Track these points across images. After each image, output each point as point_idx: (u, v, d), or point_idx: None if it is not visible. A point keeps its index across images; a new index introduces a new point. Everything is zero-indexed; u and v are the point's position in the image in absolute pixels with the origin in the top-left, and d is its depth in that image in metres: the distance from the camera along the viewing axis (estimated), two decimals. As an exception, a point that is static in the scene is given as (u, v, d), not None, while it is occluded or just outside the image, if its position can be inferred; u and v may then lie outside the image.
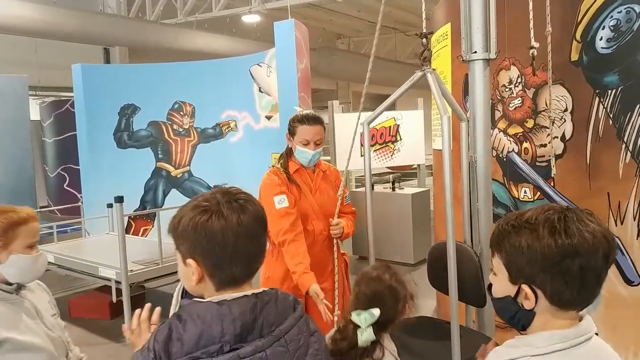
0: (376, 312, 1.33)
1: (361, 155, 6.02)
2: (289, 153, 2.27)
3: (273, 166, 2.28)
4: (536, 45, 2.04)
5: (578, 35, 2.43)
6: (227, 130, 5.44)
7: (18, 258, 1.38)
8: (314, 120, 2.21)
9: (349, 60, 12.32)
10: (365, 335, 1.33)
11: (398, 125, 5.88)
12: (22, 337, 1.35)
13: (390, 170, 6.48)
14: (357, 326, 1.32)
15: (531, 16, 2.06)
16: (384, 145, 5.95)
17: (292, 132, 2.22)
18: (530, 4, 2.07)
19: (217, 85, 5.34)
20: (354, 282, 1.49)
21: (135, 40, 8.30)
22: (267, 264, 2.23)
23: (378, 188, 5.94)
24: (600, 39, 2.37)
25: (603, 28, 2.37)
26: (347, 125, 5.85)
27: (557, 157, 2.52)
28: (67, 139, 7.61)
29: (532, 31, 2.03)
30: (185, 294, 1.09)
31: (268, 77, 4.97)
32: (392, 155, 5.92)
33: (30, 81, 6.79)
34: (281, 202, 2.10)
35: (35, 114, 7.77)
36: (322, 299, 1.97)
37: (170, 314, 1.02)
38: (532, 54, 2.03)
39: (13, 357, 1.35)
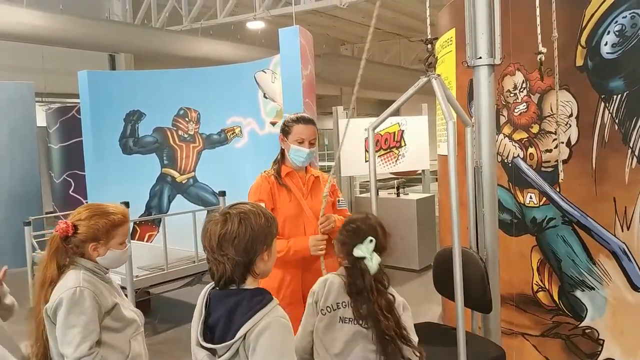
0: (371, 240, 1.56)
1: (366, 161, 6.02)
2: (282, 158, 2.31)
3: (265, 171, 2.33)
4: (544, 50, 2.04)
5: (583, 41, 2.42)
6: (232, 136, 5.46)
7: (113, 253, 1.68)
8: (309, 120, 2.28)
9: (353, 67, 12.34)
10: (374, 261, 1.55)
11: (402, 131, 5.88)
12: (92, 324, 1.58)
13: (394, 176, 6.48)
14: (362, 260, 1.55)
15: (538, 21, 2.07)
16: (389, 150, 5.95)
17: (286, 132, 2.26)
18: (537, 9, 2.08)
19: (222, 92, 5.36)
20: (340, 227, 1.69)
21: (141, 47, 8.36)
22: None
23: (383, 194, 5.93)
24: (605, 44, 2.37)
25: (608, 33, 2.36)
26: (351, 130, 5.85)
27: (563, 162, 2.52)
28: (73, 145, 7.64)
29: (539, 36, 2.03)
30: None
31: (273, 83, 4.98)
32: (396, 161, 5.92)
33: (36, 88, 6.85)
34: None
35: (41, 120, 7.82)
36: (323, 240, 2.07)
37: None
38: (539, 59, 2.03)
39: (115, 325, 1.63)
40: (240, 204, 1.36)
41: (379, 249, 1.57)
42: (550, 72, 2.48)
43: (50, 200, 8.34)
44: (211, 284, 1.38)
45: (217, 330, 1.28)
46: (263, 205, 2.05)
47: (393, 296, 1.57)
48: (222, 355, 1.25)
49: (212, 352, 1.28)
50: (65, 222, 1.62)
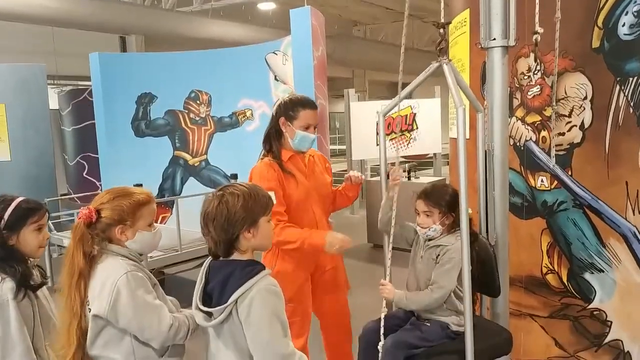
0: None
1: (377, 145, 6.00)
2: (279, 140, 2.21)
3: (265, 156, 2.22)
4: (540, 30, 2.01)
5: (600, 22, 2.38)
6: (243, 119, 5.48)
7: (142, 235, 1.60)
8: (314, 104, 2.24)
9: (365, 48, 12.23)
10: None
11: (414, 114, 5.85)
12: (156, 300, 1.57)
13: (406, 160, 6.46)
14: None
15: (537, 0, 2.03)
16: (400, 134, 5.92)
17: (291, 117, 2.18)
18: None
19: (233, 74, 5.36)
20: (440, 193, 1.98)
21: (151, 29, 8.36)
22: (272, 257, 2.22)
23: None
24: (623, 25, 2.32)
25: (626, 14, 2.31)
26: (363, 113, 5.83)
27: (576, 145, 2.49)
28: (86, 127, 7.73)
29: (537, 16, 2.00)
30: None
31: (284, 65, 4.97)
32: (408, 144, 5.90)
33: (48, 70, 6.89)
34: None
35: (54, 102, 7.90)
36: (341, 239, 2.08)
37: None
38: (535, 39, 2.00)
39: None
40: (229, 185, 1.48)
41: None
42: (566, 54, 2.45)
43: (64, 183, 8.48)
44: None
45: (214, 296, 1.42)
46: (272, 194, 2.05)
47: None
48: (217, 317, 1.40)
49: (209, 314, 1.43)
50: (88, 207, 1.55)
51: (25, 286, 1.61)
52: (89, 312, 1.51)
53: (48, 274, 1.81)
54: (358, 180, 2.32)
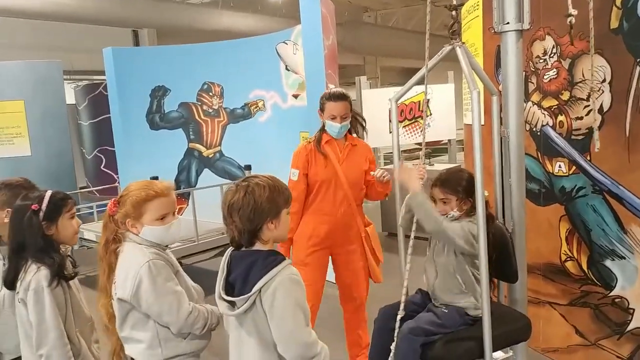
0: None
1: (390, 132, 5.95)
2: (323, 127, 2.58)
3: (308, 138, 2.63)
4: (574, 12, 1.94)
5: (618, 1, 2.31)
6: (255, 110, 5.48)
7: (151, 229, 1.64)
8: (339, 97, 2.51)
9: (376, 34, 12.09)
10: None
11: (428, 100, 5.77)
12: (177, 287, 1.65)
13: (420, 146, 6.39)
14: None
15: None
16: (414, 120, 5.87)
17: (322, 108, 2.55)
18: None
19: (244, 65, 5.34)
20: (457, 178, 1.94)
21: (163, 22, 8.39)
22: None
23: (407, 165, 5.88)
24: (643, 3, 2.24)
25: (646, -8, 2.23)
26: (375, 101, 5.77)
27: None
28: (102, 121, 7.82)
29: None
30: None
31: (294, 55, 4.94)
32: (421, 131, 5.83)
33: (63, 66, 6.97)
34: (293, 174, 2.53)
35: (70, 97, 8.00)
36: None
37: None
38: (569, 21, 1.93)
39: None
40: (253, 177, 1.50)
41: None
42: (583, 35, 2.38)
43: (83, 176, 8.63)
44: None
45: (236, 286, 1.44)
46: (297, 172, 2.49)
47: None
48: (241, 306, 1.42)
49: (232, 304, 1.45)
50: (113, 199, 1.67)
51: (59, 275, 1.69)
52: (115, 295, 1.62)
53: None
54: (380, 179, 2.53)
